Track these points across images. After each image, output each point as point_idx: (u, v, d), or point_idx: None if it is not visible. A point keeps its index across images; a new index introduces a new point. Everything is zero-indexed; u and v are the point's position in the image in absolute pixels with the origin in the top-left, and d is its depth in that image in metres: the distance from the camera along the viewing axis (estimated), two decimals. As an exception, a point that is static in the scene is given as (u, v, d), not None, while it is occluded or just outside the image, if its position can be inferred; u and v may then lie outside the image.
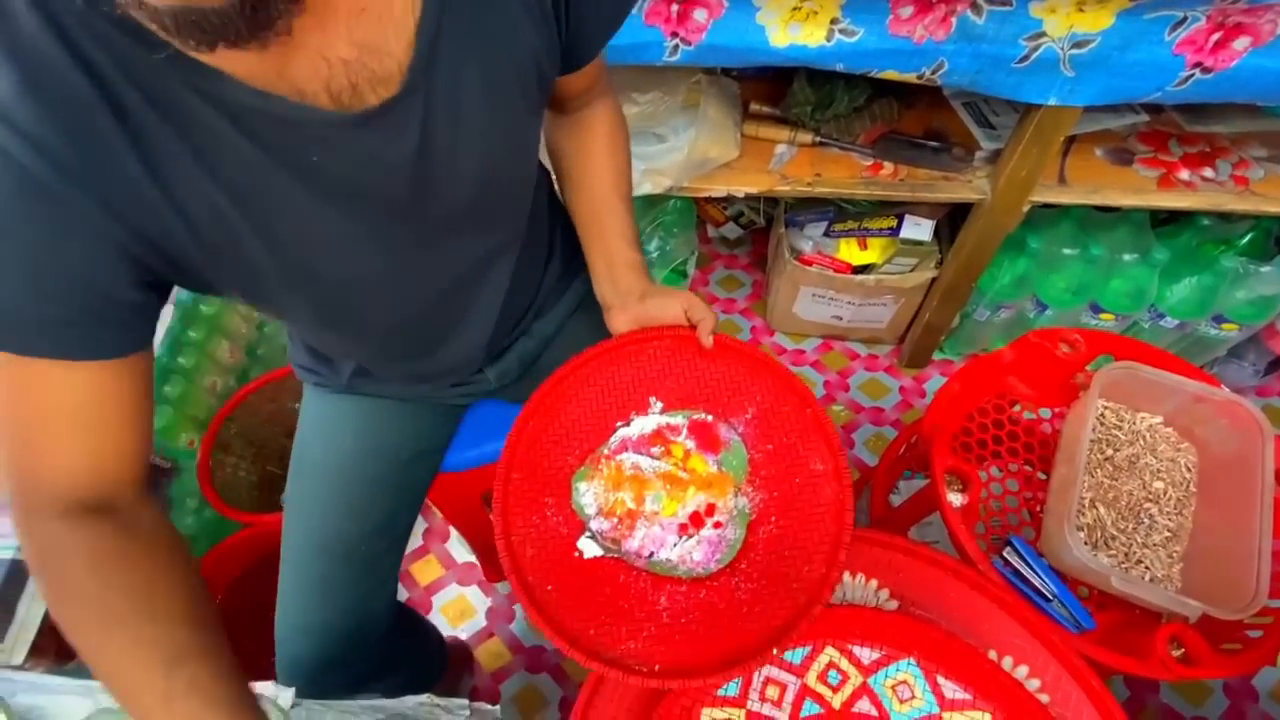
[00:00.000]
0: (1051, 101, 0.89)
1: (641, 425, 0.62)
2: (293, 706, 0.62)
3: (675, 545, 0.57)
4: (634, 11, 0.87)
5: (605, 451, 0.61)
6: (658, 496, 0.59)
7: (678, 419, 0.62)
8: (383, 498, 0.72)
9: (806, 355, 1.47)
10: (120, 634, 0.42)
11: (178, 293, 1.04)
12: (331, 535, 0.70)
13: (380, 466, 0.73)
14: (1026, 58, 0.84)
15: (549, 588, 0.55)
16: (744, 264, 1.64)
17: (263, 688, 0.63)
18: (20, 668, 0.70)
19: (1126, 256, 1.17)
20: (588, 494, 0.60)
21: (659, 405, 0.63)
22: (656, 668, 0.51)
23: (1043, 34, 0.82)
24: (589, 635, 0.52)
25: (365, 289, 0.54)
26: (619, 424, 0.63)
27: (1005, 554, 0.71)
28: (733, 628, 0.53)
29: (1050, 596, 0.69)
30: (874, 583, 0.65)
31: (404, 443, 0.75)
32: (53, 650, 0.85)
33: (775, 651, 0.51)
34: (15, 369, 0.41)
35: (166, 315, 1.02)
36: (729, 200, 1.64)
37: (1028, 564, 0.70)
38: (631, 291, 0.65)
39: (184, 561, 0.47)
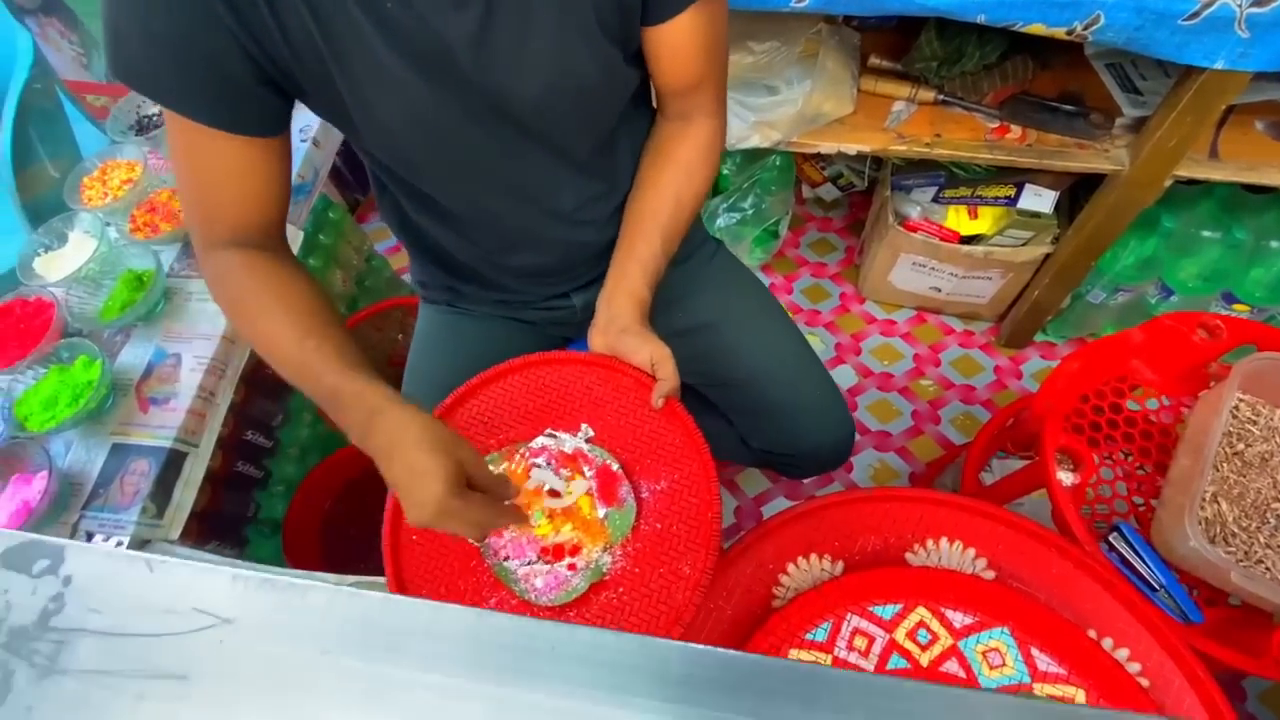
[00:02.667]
0: (1219, 65, 0.81)
1: (564, 443, 0.63)
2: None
3: (529, 563, 0.58)
4: (765, -47, 0.84)
5: (524, 449, 0.62)
6: (540, 513, 0.60)
7: (596, 455, 0.62)
8: None
9: (898, 326, 1.43)
10: (268, 317, 0.56)
11: (303, 220, 1.10)
12: None
13: None
14: (1197, 14, 0.77)
15: (414, 538, 0.59)
16: (838, 227, 1.59)
17: (381, 580, 0.70)
18: (174, 542, 0.79)
19: (1275, 243, 1.07)
20: None
21: (589, 433, 0.63)
22: None
23: (1220, -13, 0.74)
24: (419, 592, 0.57)
25: (430, 149, 0.59)
26: (548, 431, 0.64)
27: (1111, 539, 0.69)
28: None
29: (1157, 586, 0.67)
30: (971, 551, 0.65)
31: (502, 358, 0.79)
32: (195, 533, 0.96)
33: None
34: (185, 133, 0.52)
35: (294, 240, 1.09)
36: (829, 160, 1.59)
37: (1135, 552, 0.68)
38: (617, 320, 0.65)
39: (310, 277, 0.61)
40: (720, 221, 1.38)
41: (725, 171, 1.36)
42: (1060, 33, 0.83)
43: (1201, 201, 1.10)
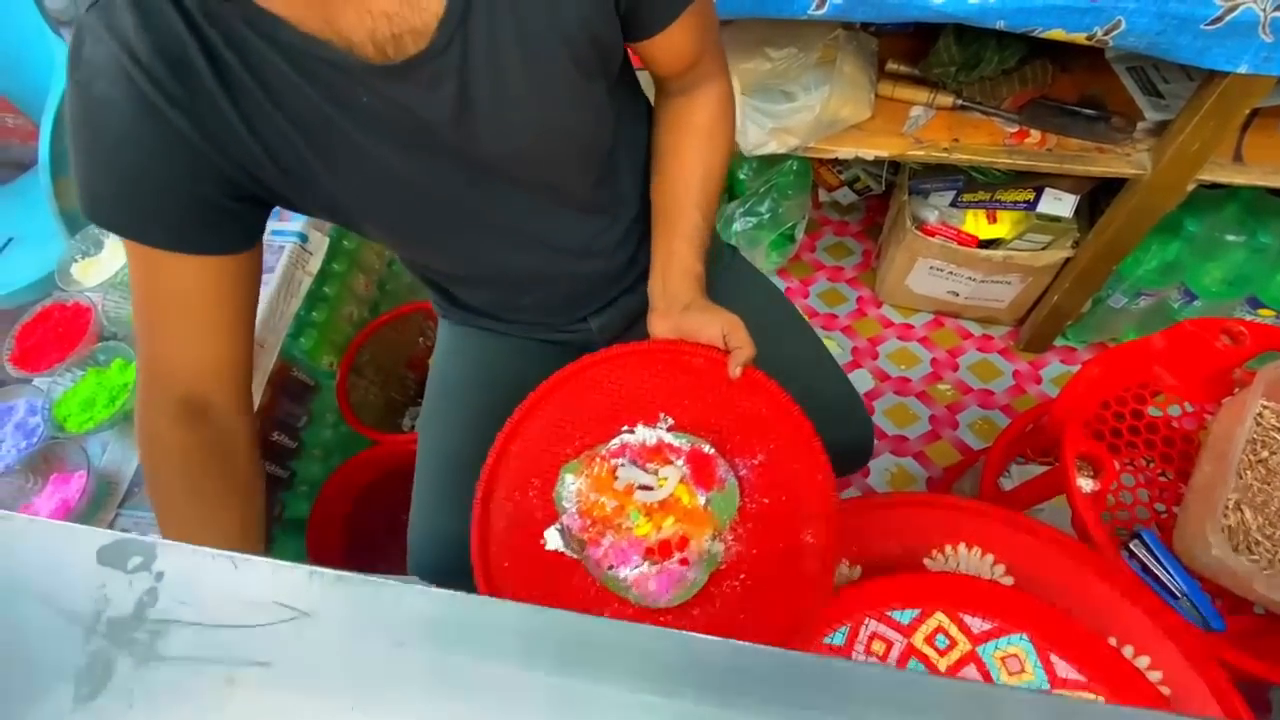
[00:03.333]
0: (1242, 69, 0.80)
1: (645, 436, 0.59)
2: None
3: (636, 567, 0.54)
4: (783, -38, 0.85)
5: (603, 451, 0.59)
6: (636, 512, 0.56)
7: (681, 441, 0.59)
8: (502, 418, 0.79)
9: (915, 330, 1.43)
10: (189, 529, 0.52)
11: (329, 228, 1.13)
12: (458, 448, 0.77)
13: (500, 391, 0.79)
14: (1220, 19, 0.77)
15: (506, 564, 0.55)
16: (854, 231, 1.59)
17: (395, 580, 0.71)
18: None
19: (1301, 248, 1.06)
20: (572, 487, 0.58)
21: (669, 422, 0.60)
22: None
23: (1243, -8, 0.74)
24: None
25: (429, 221, 0.58)
26: (624, 428, 0.60)
27: (1132, 546, 0.69)
28: None
29: (1179, 594, 0.66)
30: (990, 557, 0.65)
31: (521, 372, 0.80)
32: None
33: None
34: (142, 260, 0.50)
35: (320, 247, 1.12)
36: (845, 165, 1.59)
37: (1157, 559, 0.67)
38: (678, 299, 0.62)
39: (250, 481, 0.57)
40: (736, 226, 1.38)
41: (741, 176, 1.37)
42: (1080, 38, 0.83)
43: (1225, 205, 1.08)
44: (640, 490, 0.56)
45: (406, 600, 0.16)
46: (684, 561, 0.54)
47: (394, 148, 0.51)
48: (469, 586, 0.76)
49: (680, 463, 0.57)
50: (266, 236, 0.99)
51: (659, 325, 0.63)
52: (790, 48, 1.05)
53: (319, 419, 1.20)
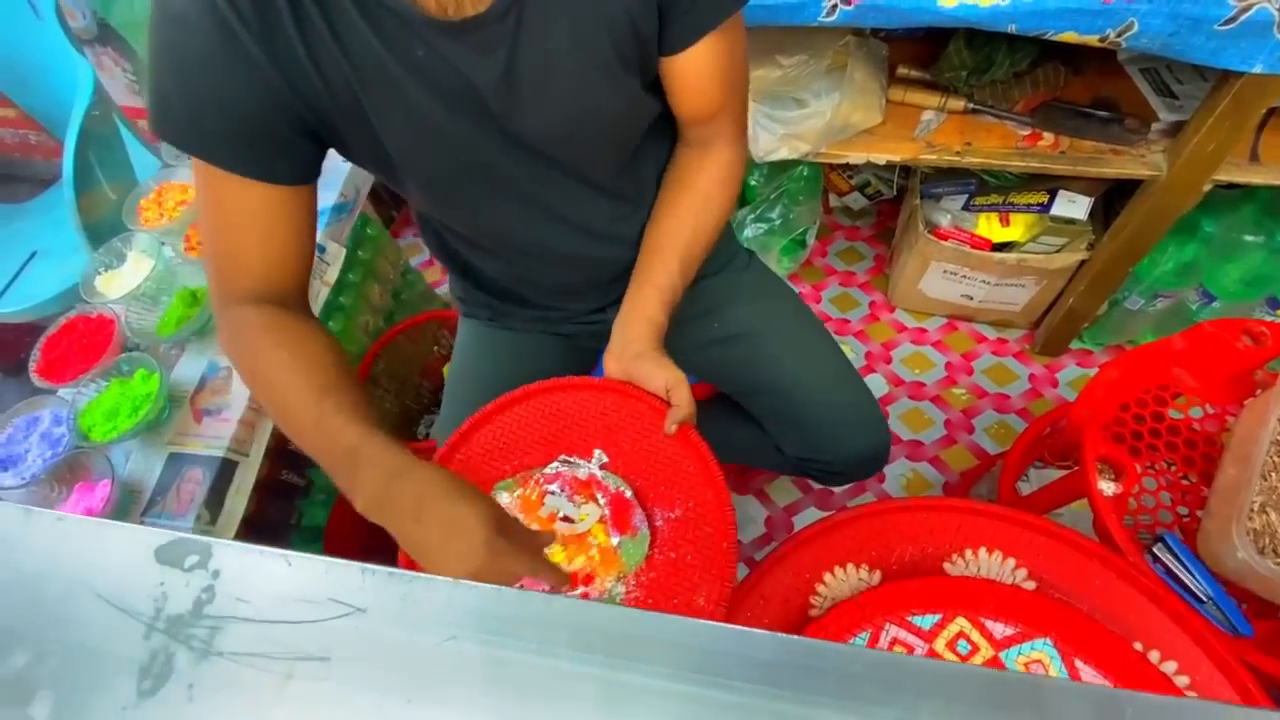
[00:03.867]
0: (1257, 69, 0.80)
1: (578, 470, 0.62)
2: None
3: (541, 592, 0.57)
4: (793, -30, 0.86)
5: (537, 475, 0.62)
6: (554, 542, 0.59)
7: (609, 481, 0.61)
8: None
9: (929, 334, 1.42)
10: (284, 373, 0.55)
11: (345, 238, 1.14)
12: None
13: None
14: (1234, 19, 0.76)
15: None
16: (865, 236, 1.59)
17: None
18: (226, 548, 0.82)
19: (1321, 247, 1.05)
20: (503, 503, 0.60)
21: (603, 459, 0.63)
22: None
23: (1258, -8, 0.74)
24: None
25: (463, 181, 0.61)
26: (561, 457, 0.63)
27: (1156, 550, 0.68)
28: None
29: (1204, 598, 0.66)
30: (1011, 561, 0.64)
31: (542, 369, 0.81)
32: (243, 538, 0.99)
33: None
34: (212, 182, 0.53)
35: (337, 258, 1.13)
36: (856, 169, 1.59)
37: (1181, 563, 0.67)
38: (632, 345, 0.65)
39: (328, 336, 0.60)
40: (748, 232, 1.39)
41: (752, 182, 1.37)
42: (1093, 40, 0.83)
43: (1243, 205, 1.08)
44: (561, 521, 0.60)
45: (457, 596, 0.16)
46: (585, 595, 0.57)
47: (440, 104, 0.53)
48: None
49: (603, 502, 0.60)
50: (285, 247, 1.01)
51: (611, 365, 0.66)
52: (801, 55, 1.06)
53: (335, 427, 1.22)
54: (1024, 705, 0.15)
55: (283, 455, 1.09)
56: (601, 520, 0.59)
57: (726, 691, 0.15)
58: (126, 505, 0.81)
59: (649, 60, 0.59)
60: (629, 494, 0.61)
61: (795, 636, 0.16)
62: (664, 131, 0.71)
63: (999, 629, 0.61)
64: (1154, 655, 0.59)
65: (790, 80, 1.07)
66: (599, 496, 0.61)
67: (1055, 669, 0.59)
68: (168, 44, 0.48)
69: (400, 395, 1.35)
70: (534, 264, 0.73)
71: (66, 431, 0.84)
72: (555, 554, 0.58)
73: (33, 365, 0.90)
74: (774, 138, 1.06)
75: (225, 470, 0.84)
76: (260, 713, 0.14)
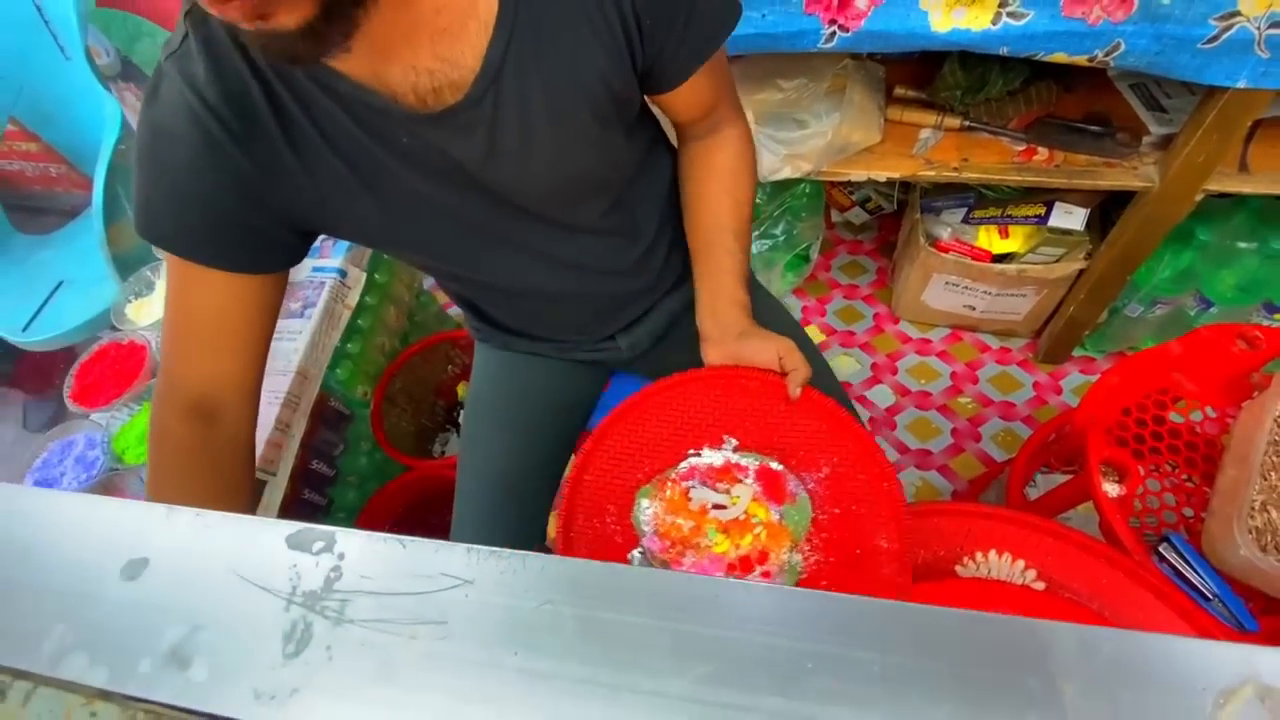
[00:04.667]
0: (1241, 84, 0.83)
1: (712, 458, 0.62)
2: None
3: None
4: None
5: (673, 475, 0.61)
6: (714, 530, 0.58)
7: (749, 460, 0.61)
8: (541, 439, 0.82)
9: (933, 345, 1.45)
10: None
11: (365, 262, 1.18)
12: (500, 469, 0.80)
13: (540, 412, 0.83)
14: (1215, 38, 0.80)
15: None
16: (868, 250, 1.62)
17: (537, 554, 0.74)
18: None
19: (1313, 252, 1.07)
20: (648, 511, 0.60)
21: (733, 443, 0.62)
22: None
23: (1236, 13, 0.77)
24: None
25: (459, 244, 0.64)
26: (691, 452, 0.62)
27: (1162, 549, 0.70)
28: None
29: (1210, 596, 0.67)
30: (1021, 563, 0.66)
31: (558, 393, 0.84)
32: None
33: None
34: (182, 275, 0.55)
35: (358, 282, 1.17)
36: (857, 185, 1.63)
37: (1187, 561, 0.69)
38: (731, 328, 0.65)
39: (240, 486, 0.61)
40: (753, 248, 1.42)
41: (755, 200, 1.41)
42: (1082, 60, 0.86)
43: (1236, 213, 1.11)
44: (714, 509, 0.58)
45: (550, 568, 0.19)
46: (766, 574, 0.56)
47: (429, 181, 0.56)
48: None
49: (750, 480, 0.60)
50: (307, 273, 1.05)
51: (713, 354, 0.66)
52: (801, 78, 1.10)
53: (354, 447, 1.24)
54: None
55: (305, 476, 1.11)
56: (755, 498, 0.59)
57: (804, 642, 0.17)
58: (158, 525, 0.84)
59: (628, 113, 0.60)
60: (775, 465, 0.60)
61: (869, 599, 0.19)
62: (657, 154, 0.73)
63: (1011, 628, 0.63)
64: (1163, 651, 0.60)
65: (791, 103, 1.11)
66: (742, 477, 0.60)
67: (1067, 666, 0.61)
68: (152, 153, 0.51)
69: (416, 414, 1.38)
70: (538, 306, 0.75)
71: (101, 454, 0.86)
72: (720, 544, 0.57)
73: (67, 391, 0.93)
74: (777, 158, 1.09)
75: (255, 490, 0.86)
76: (391, 667, 0.17)
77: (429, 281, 1.72)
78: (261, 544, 0.20)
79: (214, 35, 0.48)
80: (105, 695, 0.17)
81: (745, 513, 0.58)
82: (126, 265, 1.13)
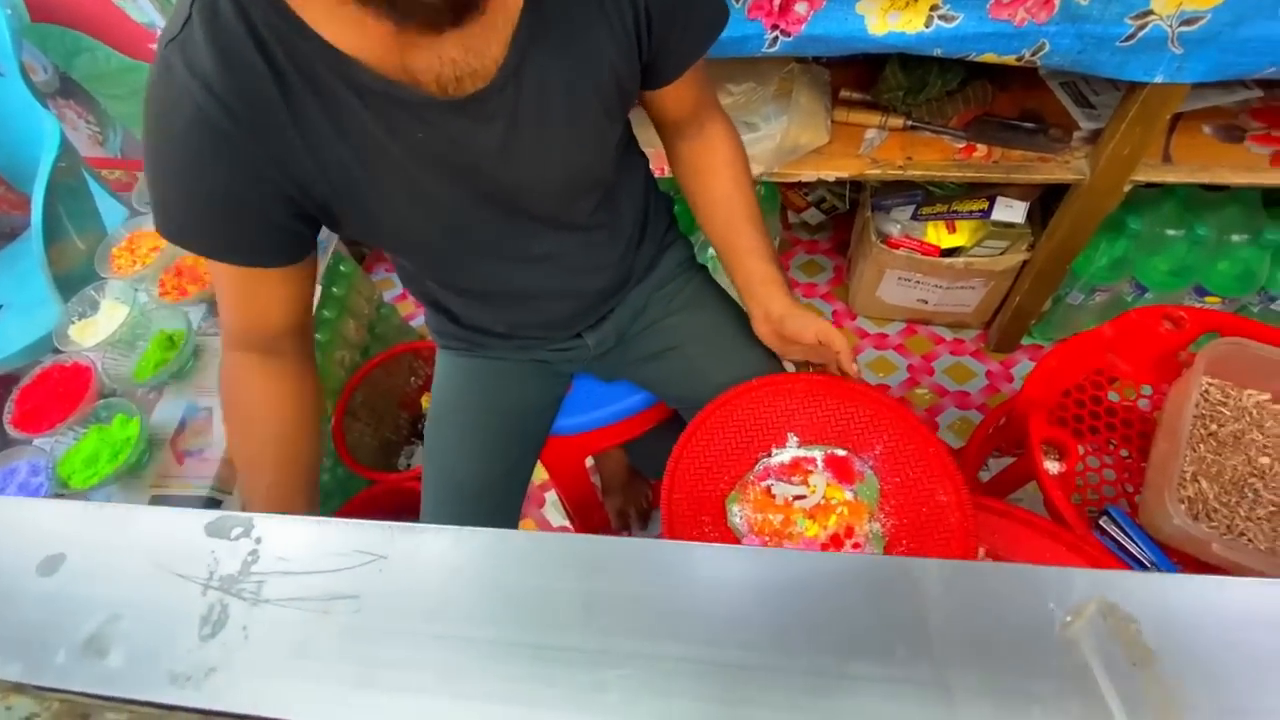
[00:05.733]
0: (1158, 80, 0.88)
1: (781, 457, 0.68)
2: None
3: None
4: (735, 5, 0.92)
5: (751, 478, 0.68)
6: (801, 519, 0.65)
7: (814, 452, 0.68)
8: (508, 445, 0.82)
9: (890, 339, 1.49)
10: (243, 429, 0.65)
11: (319, 277, 1.17)
12: (465, 476, 0.80)
13: (502, 417, 0.82)
14: (1132, 36, 0.84)
15: None
16: (825, 248, 1.66)
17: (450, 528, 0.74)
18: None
19: (1235, 237, 1.13)
20: (740, 514, 0.66)
21: (795, 440, 0.70)
22: None
23: (1150, 12, 0.82)
24: None
25: (458, 244, 0.65)
26: (761, 455, 0.69)
27: (1102, 522, 0.73)
28: None
29: (1148, 564, 0.71)
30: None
31: (521, 397, 0.84)
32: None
33: None
34: (229, 271, 0.58)
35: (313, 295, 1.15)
36: (811, 186, 1.67)
37: (1125, 532, 0.72)
38: (774, 309, 0.71)
39: (307, 391, 0.67)
40: (711, 251, 1.44)
41: (699, 223, 1.43)
42: (1011, 60, 0.90)
43: (1164, 202, 1.16)
44: (797, 500, 0.65)
45: (462, 540, 0.19)
46: (856, 545, 0.63)
47: (439, 177, 0.56)
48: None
49: (820, 468, 0.67)
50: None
51: (761, 329, 0.74)
52: (749, 82, 1.12)
53: (316, 463, 1.22)
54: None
55: (264, 493, 1.09)
56: (829, 483, 0.66)
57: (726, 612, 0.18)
58: (109, 551, 0.82)
59: (628, 104, 0.63)
60: (840, 452, 0.68)
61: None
62: (628, 161, 0.75)
63: (962, 605, 0.65)
64: (1104, 619, 0.63)
65: (740, 106, 1.13)
66: (811, 468, 0.67)
67: (1016, 639, 0.64)
68: (162, 156, 0.51)
69: (379, 428, 1.36)
70: (520, 305, 0.76)
71: (45, 480, 0.84)
72: (810, 529, 0.64)
73: (7, 417, 0.90)
74: (729, 160, 1.11)
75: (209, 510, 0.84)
76: (307, 643, 0.17)
77: (389, 293, 1.70)
78: (180, 533, 0.20)
79: (222, 20, 0.46)
80: (19, 689, 0.17)
81: (824, 497, 0.65)
82: (69, 285, 1.10)
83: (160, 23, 1.28)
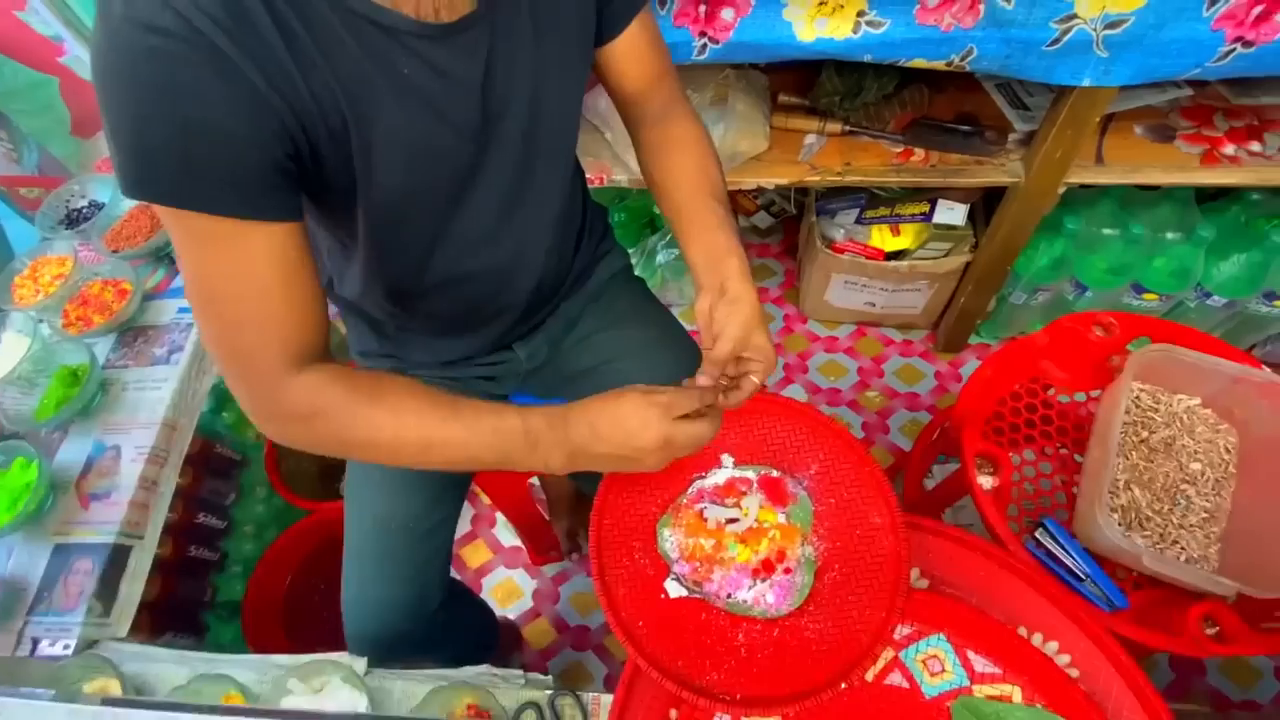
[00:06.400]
0: (1085, 83, 0.88)
1: (715, 478, 0.67)
2: (366, 674, 0.68)
3: (750, 588, 0.62)
4: (663, 13, 0.90)
5: (684, 500, 0.66)
6: (733, 543, 0.63)
7: (749, 473, 0.67)
8: (428, 478, 0.78)
9: (840, 342, 1.48)
10: (402, 425, 0.53)
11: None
12: (385, 513, 0.76)
13: None
14: (1058, 40, 0.84)
15: (640, 624, 0.60)
16: (775, 252, 1.65)
17: (338, 657, 0.70)
18: (124, 640, 0.78)
19: (1170, 235, 1.15)
20: (671, 539, 0.64)
21: (730, 461, 0.68)
22: (738, 697, 0.57)
23: (1074, 16, 0.82)
24: (678, 666, 0.58)
25: (427, 205, 0.60)
26: (695, 476, 0.68)
27: (1038, 535, 0.72)
28: (803, 664, 0.58)
29: (1083, 576, 0.70)
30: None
31: None
32: (148, 626, 0.94)
33: (842, 686, 0.56)
34: (218, 243, 0.46)
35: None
36: (759, 190, 1.65)
37: (1060, 544, 0.71)
38: (727, 278, 0.61)
39: (380, 370, 0.60)
40: (660, 258, 1.42)
41: (659, 210, 1.41)
42: (941, 65, 0.89)
43: (1101, 201, 1.17)
44: (729, 524, 0.64)
45: None
46: (788, 570, 0.62)
47: (423, 121, 0.52)
48: (406, 653, 0.75)
49: (754, 490, 0.66)
50: (172, 315, 0.98)
51: (701, 302, 0.62)
52: (685, 89, 1.10)
53: (249, 494, 1.17)
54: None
55: (189, 530, 1.04)
56: (762, 505, 0.65)
57: None
58: (10, 606, 0.76)
59: (589, 51, 0.63)
60: (774, 473, 0.67)
61: None
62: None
63: (899, 630, 0.63)
64: (1037, 638, 0.62)
65: (678, 113, 1.10)
66: (745, 490, 0.66)
67: (950, 662, 0.62)
68: (145, 82, 0.41)
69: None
70: (458, 294, 0.70)
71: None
72: (741, 553, 0.63)
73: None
74: (667, 169, 1.09)
75: (117, 556, 0.79)
76: None
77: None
78: None
79: None
80: None
81: (757, 520, 0.64)
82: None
83: (66, 35, 1.21)
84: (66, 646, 0.73)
